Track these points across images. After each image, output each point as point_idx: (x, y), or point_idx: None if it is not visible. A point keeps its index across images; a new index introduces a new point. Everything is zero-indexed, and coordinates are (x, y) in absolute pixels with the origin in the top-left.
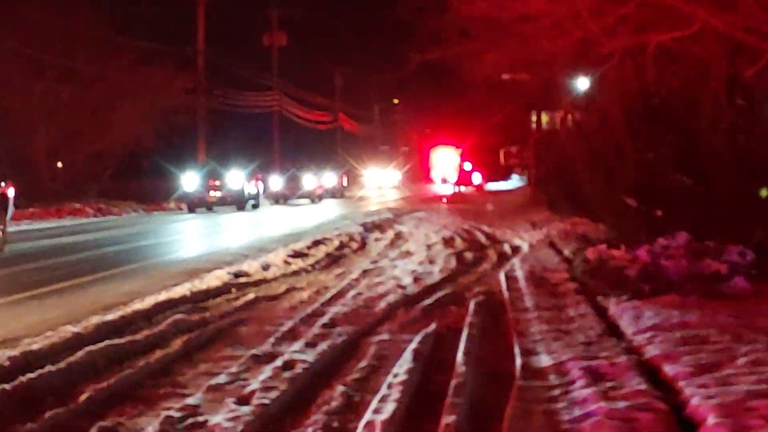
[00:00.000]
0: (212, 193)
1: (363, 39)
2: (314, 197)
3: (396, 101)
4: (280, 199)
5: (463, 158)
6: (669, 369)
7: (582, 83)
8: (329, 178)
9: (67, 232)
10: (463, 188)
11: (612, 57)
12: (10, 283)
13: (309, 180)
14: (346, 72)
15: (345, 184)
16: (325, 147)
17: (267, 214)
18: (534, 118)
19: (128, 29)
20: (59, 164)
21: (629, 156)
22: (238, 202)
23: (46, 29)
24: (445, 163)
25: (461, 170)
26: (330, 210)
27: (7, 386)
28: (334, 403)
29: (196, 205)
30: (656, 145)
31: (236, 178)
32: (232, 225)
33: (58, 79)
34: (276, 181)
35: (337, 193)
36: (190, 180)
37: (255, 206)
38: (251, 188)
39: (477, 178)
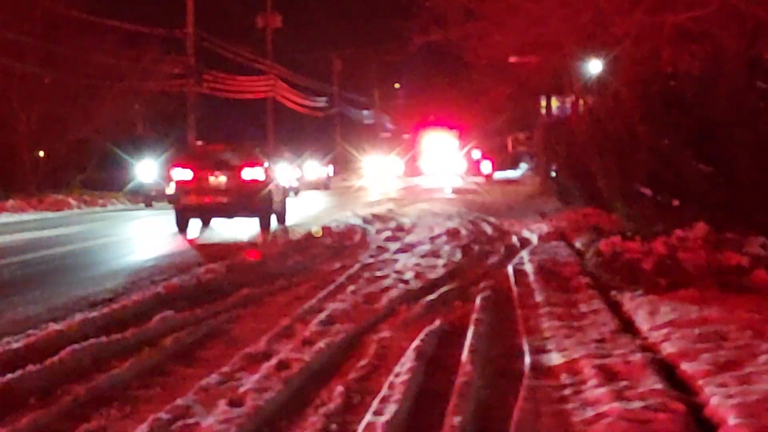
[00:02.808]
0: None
1: (362, 20)
2: (289, 191)
3: (397, 86)
4: None
5: (470, 146)
6: (687, 367)
7: (594, 66)
8: (311, 168)
9: (49, 225)
10: (470, 178)
11: (626, 38)
12: (2, 274)
13: (282, 170)
14: (345, 55)
15: (331, 174)
16: (322, 134)
17: None
18: (543, 103)
19: (113, 10)
20: (41, 153)
21: (644, 142)
22: None
23: (25, 10)
24: (440, 149)
25: (469, 159)
26: (310, 205)
27: None
28: (332, 404)
29: (153, 198)
30: (672, 130)
31: None
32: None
33: (39, 64)
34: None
35: (320, 185)
36: (146, 170)
37: None
38: None
39: (486, 166)
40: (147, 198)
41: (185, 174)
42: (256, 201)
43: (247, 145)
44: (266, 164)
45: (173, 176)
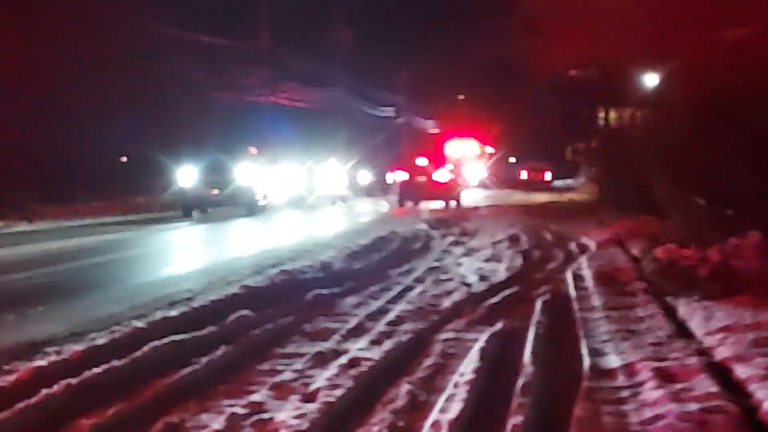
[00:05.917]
0: (214, 190)
1: (429, 34)
2: (336, 199)
3: (461, 97)
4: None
5: (531, 154)
6: (741, 371)
7: (650, 79)
8: (362, 175)
9: (129, 227)
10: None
11: (683, 52)
12: (86, 274)
13: (329, 177)
14: (412, 67)
15: (390, 181)
16: (390, 142)
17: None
18: (602, 114)
19: (193, 24)
20: (123, 158)
21: (697, 154)
22: (247, 203)
23: (109, 23)
24: (463, 157)
25: (530, 168)
26: (371, 209)
27: (73, 380)
28: (399, 402)
29: (192, 205)
30: (724, 142)
31: (245, 172)
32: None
33: (122, 74)
34: (290, 177)
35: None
36: (186, 174)
37: (261, 207)
38: (261, 185)
39: (547, 175)
40: (185, 206)
41: (404, 175)
42: (441, 191)
43: (436, 154)
44: (449, 167)
45: (397, 176)
